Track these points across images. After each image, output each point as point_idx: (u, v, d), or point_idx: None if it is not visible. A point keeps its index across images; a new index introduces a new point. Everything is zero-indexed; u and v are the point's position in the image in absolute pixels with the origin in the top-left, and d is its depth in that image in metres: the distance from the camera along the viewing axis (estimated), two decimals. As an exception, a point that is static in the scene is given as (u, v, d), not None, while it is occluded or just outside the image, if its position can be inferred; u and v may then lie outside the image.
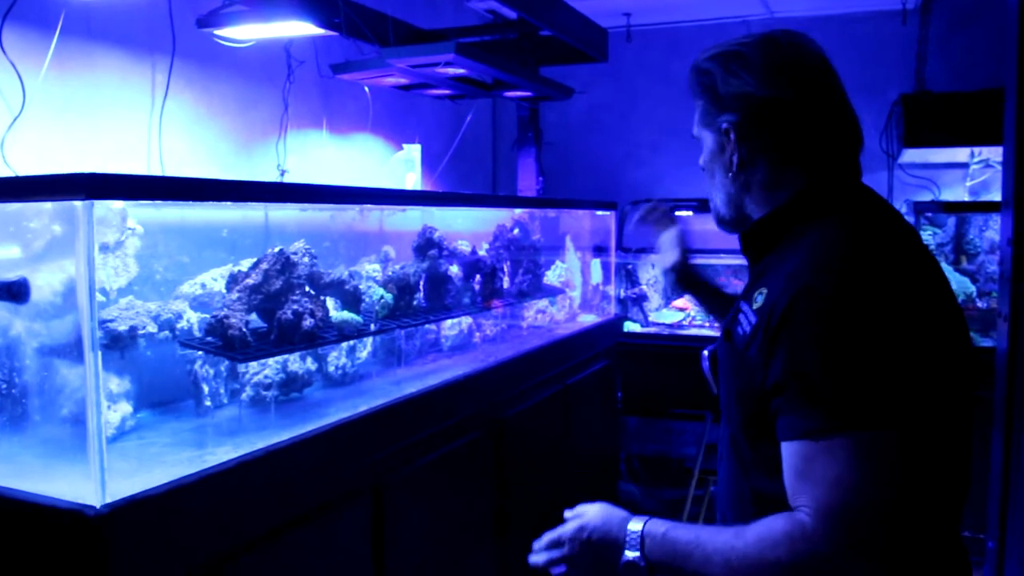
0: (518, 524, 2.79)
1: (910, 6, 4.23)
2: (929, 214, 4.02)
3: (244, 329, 1.86)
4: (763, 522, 1.08)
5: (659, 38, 4.98)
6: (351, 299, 2.20)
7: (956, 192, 4.43)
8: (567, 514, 1.31)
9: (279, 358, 2.08)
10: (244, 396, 2.08)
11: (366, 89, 3.39)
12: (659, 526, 1.18)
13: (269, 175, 3.06)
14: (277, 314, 1.94)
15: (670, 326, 4.49)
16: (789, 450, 1.07)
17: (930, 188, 4.48)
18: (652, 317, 4.57)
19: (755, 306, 1.16)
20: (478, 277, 2.72)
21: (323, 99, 3.34)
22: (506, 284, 2.96)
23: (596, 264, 3.88)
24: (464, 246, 2.74)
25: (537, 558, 1.30)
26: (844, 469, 1.01)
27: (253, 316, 1.99)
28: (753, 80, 1.21)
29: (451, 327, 2.75)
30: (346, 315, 2.12)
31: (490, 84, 3.52)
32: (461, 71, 3.01)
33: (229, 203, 2.08)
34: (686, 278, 1.81)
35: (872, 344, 1.02)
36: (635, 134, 5.09)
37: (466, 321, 2.80)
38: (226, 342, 1.84)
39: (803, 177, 1.23)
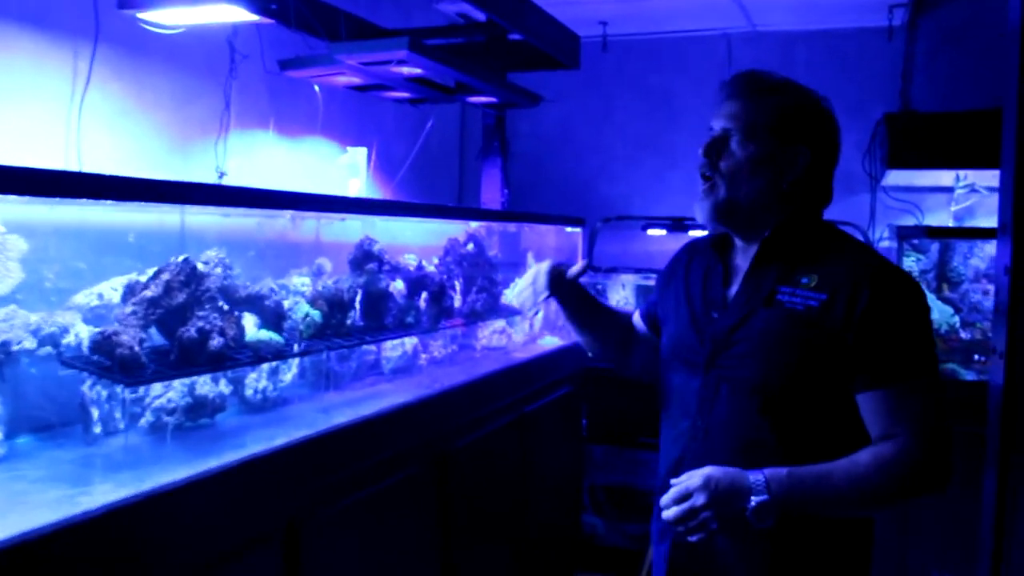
0: (467, 567, 2.55)
1: (896, 23, 4.06)
2: (914, 240, 3.82)
3: (137, 348, 1.62)
4: (869, 451, 1.38)
5: (637, 49, 4.79)
6: (272, 316, 1.96)
7: (940, 217, 4.25)
8: (676, 481, 1.42)
9: (186, 380, 1.84)
10: (143, 422, 1.84)
11: (316, 88, 3.16)
12: (780, 470, 1.37)
13: (207, 177, 2.82)
14: (179, 331, 1.70)
15: (640, 350, 4.27)
16: (879, 395, 1.38)
17: (913, 212, 4.30)
18: (621, 340, 4.35)
19: (812, 285, 1.43)
20: (424, 295, 2.49)
21: (271, 97, 3.11)
22: (457, 303, 2.73)
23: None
24: (410, 260, 2.51)
25: (669, 513, 1.40)
26: (924, 403, 1.37)
27: (153, 332, 1.76)
28: (832, 129, 1.53)
29: (393, 348, 2.52)
30: (264, 334, 1.89)
31: (453, 88, 3.30)
32: (417, 71, 2.79)
33: (141, 205, 1.86)
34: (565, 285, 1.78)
35: (923, 325, 1.42)
36: (609, 147, 4.89)
37: (411, 342, 2.57)
38: (114, 362, 1.60)
39: (815, 202, 1.54)
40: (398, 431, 2.18)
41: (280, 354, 1.91)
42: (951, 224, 4.16)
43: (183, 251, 1.97)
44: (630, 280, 4.48)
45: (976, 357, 3.60)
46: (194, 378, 1.83)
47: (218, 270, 1.83)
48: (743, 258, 1.55)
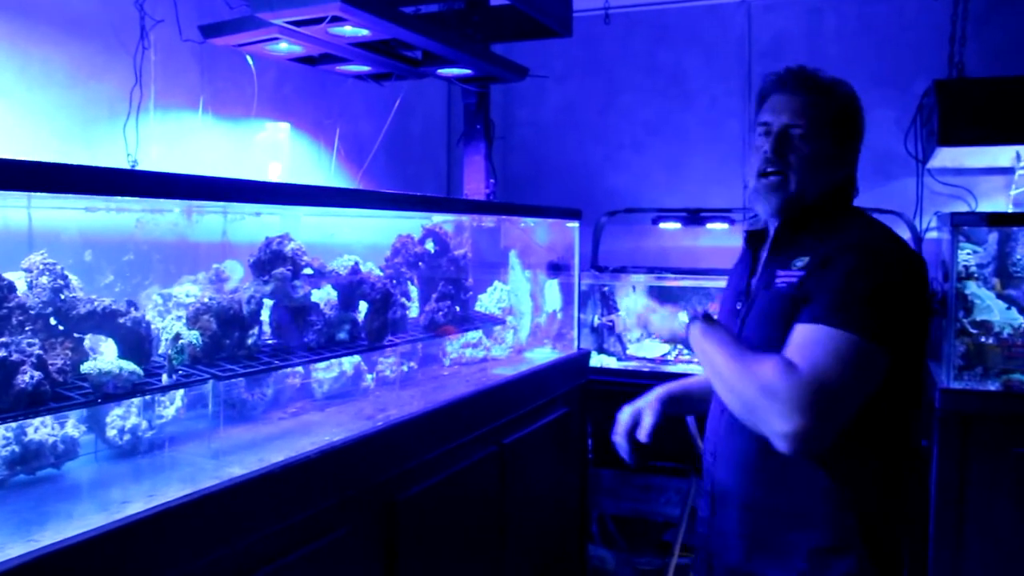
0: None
1: (944, -20, 3.51)
2: (968, 228, 3.25)
3: None
4: (766, 354, 1.44)
5: (643, 22, 4.27)
6: (134, 340, 1.48)
7: (996, 203, 3.70)
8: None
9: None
10: (-53, 484, 1.37)
11: (249, 59, 2.68)
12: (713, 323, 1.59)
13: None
14: (-33, 365, 1.22)
15: (653, 361, 3.76)
16: (798, 329, 1.44)
17: (964, 198, 3.74)
18: (631, 350, 3.84)
19: (801, 265, 1.53)
20: (364, 305, 2.00)
21: (202, 72, 2.64)
22: (413, 312, 2.24)
23: (553, 286, 3.16)
24: (345, 263, 2.02)
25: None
26: (827, 351, 1.38)
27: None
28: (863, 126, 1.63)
29: (328, 368, 2.03)
30: (113, 364, 1.41)
31: (419, 60, 2.82)
32: (363, 33, 2.31)
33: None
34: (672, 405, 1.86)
35: (878, 293, 1.42)
36: (615, 133, 4.37)
37: (350, 361, 2.08)
38: None
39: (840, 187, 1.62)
40: (322, 480, 1.69)
41: (137, 389, 1.43)
42: (1010, 210, 3.60)
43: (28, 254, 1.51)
44: (641, 280, 3.95)
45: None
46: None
47: (44, 279, 1.35)
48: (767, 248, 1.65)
